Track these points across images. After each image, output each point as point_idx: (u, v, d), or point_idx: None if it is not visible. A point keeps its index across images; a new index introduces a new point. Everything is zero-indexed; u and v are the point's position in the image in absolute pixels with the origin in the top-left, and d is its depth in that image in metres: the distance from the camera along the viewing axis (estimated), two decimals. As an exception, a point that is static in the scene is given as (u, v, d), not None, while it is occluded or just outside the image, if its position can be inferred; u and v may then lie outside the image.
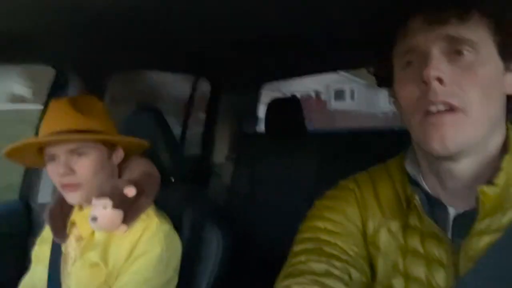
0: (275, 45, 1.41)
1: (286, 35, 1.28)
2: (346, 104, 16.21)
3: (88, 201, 0.96)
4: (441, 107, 0.51)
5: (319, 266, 0.56)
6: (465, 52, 0.52)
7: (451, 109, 0.51)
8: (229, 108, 2.23)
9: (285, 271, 0.59)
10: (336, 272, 0.56)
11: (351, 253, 0.59)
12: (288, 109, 2.02)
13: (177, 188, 1.16)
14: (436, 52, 0.52)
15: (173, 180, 1.18)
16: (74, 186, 0.93)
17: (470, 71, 0.51)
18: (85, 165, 0.93)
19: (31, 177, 1.46)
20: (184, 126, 2.20)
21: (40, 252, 1.06)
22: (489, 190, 0.52)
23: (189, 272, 1.07)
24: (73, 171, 0.92)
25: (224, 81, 2.19)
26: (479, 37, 0.52)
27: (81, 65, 1.32)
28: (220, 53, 1.50)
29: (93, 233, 0.96)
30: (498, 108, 0.54)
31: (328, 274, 0.55)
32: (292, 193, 1.85)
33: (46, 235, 1.06)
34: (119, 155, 1.03)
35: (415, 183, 0.59)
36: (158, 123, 1.19)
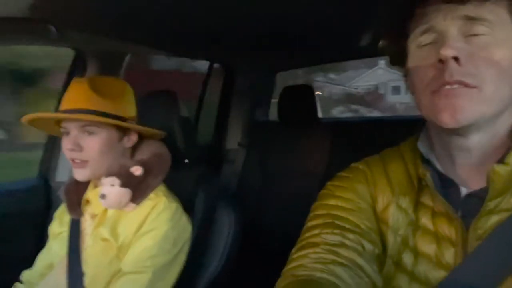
0: (290, 33, 1.41)
1: (301, 24, 1.28)
2: (401, 97, 19.84)
3: (96, 179, 1.01)
4: (455, 87, 0.51)
5: (333, 237, 0.58)
6: (482, 33, 0.52)
7: (465, 86, 0.51)
8: (242, 95, 2.24)
9: (300, 244, 0.60)
10: (350, 243, 0.57)
11: (363, 226, 0.60)
12: (300, 97, 2.02)
13: (191, 171, 1.18)
14: (454, 32, 0.52)
15: (187, 161, 1.20)
16: (80, 163, 0.97)
17: (486, 52, 0.51)
18: (93, 144, 0.97)
19: (50, 156, 1.50)
20: (198, 111, 2.21)
21: (56, 228, 1.10)
22: (501, 169, 0.52)
23: (200, 253, 1.09)
24: (81, 147, 0.96)
25: (239, 68, 2.19)
26: (498, 18, 0.52)
27: (99, 47, 1.34)
28: (235, 40, 1.50)
29: (105, 210, 1.00)
30: (511, 89, 0.54)
31: (342, 244, 0.57)
32: (303, 180, 1.86)
33: (62, 211, 1.09)
34: (131, 138, 1.05)
35: (428, 163, 0.60)
36: (173, 106, 1.20)
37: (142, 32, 1.27)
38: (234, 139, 2.22)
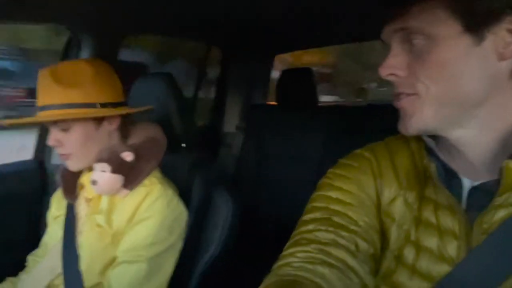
0: (288, 16, 1.38)
1: (299, 6, 1.25)
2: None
3: (88, 166, 0.99)
4: (401, 97, 0.55)
5: (326, 235, 0.57)
6: (415, 41, 0.53)
7: (407, 95, 0.55)
8: (240, 78, 2.21)
9: (293, 239, 0.59)
10: (343, 241, 0.56)
11: (361, 223, 0.58)
12: (300, 81, 2.00)
13: (188, 155, 1.16)
14: (395, 46, 0.55)
15: (184, 145, 1.18)
16: (65, 156, 0.97)
17: (421, 57, 0.53)
18: (70, 139, 0.95)
19: (45, 138, 1.48)
20: (195, 94, 2.19)
21: (54, 211, 1.09)
22: None
23: (198, 238, 1.08)
24: (61, 142, 0.95)
25: (236, 50, 2.16)
26: (432, 18, 0.51)
27: (95, 27, 1.30)
28: (232, 21, 1.47)
29: (99, 196, 0.98)
30: (469, 84, 0.52)
31: (334, 243, 0.56)
32: (300, 165, 1.86)
33: (59, 195, 1.08)
34: (112, 122, 1.00)
35: (433, 153, 0.59)
36: (170, 88, 1.18)
37: (139, 12, 1.24)
38: (231, 122, 2.21)
